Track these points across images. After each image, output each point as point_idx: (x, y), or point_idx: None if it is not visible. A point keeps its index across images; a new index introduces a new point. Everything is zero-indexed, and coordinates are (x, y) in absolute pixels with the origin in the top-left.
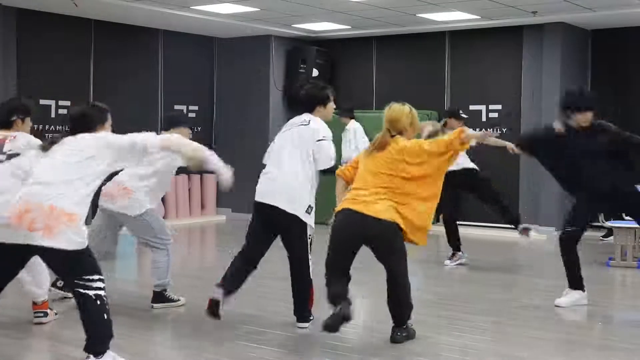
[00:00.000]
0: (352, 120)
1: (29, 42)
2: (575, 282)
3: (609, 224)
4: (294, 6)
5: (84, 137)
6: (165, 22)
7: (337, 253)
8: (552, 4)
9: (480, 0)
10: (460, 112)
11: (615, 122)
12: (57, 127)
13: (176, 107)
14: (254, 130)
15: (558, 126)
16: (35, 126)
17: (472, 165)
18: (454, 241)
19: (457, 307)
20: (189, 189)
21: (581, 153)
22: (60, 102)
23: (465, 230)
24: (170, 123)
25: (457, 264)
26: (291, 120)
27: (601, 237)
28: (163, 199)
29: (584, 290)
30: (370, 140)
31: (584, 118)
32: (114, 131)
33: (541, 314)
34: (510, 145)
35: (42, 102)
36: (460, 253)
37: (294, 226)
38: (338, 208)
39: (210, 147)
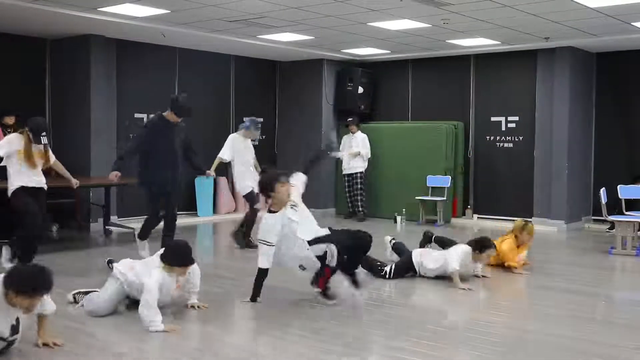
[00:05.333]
0: (359, 131)
1: (126, 66)
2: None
3: (611, 217)
4: (342, 35)
5: None
6: (237, 49)
7: None
8: (562, 31)
9: (501, 28)
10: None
11: (618, 130)
12: None
13: (245, 119)
14: (309, 138)
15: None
16: (131, 135)
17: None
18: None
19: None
20: None
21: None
22: (151, 115)
23: (484, 223)
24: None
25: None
26: None
27: (607, 230)
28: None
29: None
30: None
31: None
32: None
33: (552, 294)
34: None
35: (137, 115)
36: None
37: None
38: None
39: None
